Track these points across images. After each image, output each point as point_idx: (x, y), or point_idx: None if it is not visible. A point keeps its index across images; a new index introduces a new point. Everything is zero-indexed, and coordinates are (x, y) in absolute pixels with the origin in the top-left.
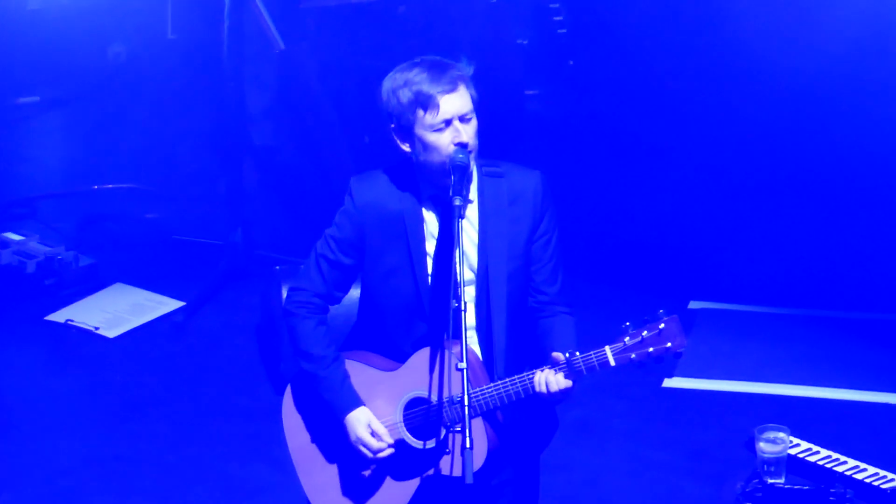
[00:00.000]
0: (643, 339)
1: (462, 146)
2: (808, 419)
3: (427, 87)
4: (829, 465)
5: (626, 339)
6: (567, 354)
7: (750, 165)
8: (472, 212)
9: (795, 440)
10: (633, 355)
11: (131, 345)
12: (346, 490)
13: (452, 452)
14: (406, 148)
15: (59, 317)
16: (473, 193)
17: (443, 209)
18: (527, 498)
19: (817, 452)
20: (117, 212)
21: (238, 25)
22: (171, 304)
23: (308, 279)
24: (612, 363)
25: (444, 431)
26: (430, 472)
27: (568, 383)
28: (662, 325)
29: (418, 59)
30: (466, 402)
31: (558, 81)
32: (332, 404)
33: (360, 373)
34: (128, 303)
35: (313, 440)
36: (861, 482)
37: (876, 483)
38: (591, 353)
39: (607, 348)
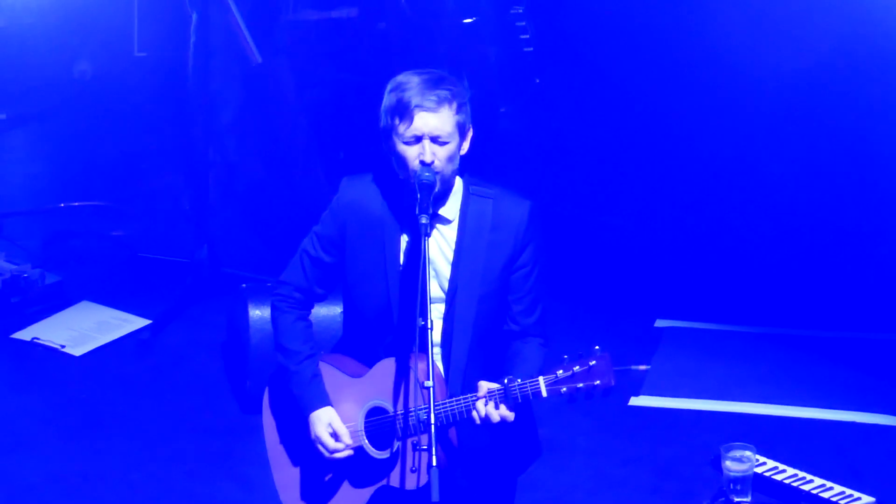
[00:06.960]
0: (574, 373)
1: (424, 165)
2: (775, 437)
3: (408, 98)
4: (795, 484)
5: (560, 371)
6: (506, 381)
7: (715, 186)
8: (450, 231)
9: (762, 458)
10: (563, 388)
11: (97, 363)
12: (306, 490)
13: (405, 466)
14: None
15: (24, 335)
16: (454, 213)
17: (416, 224)
18: None
19: (784, 471)
20: (83, 229)
21: (204, 41)
22: (137, 322)
23: (292, 273)
24: (544, 394)
25: (397, 444)
26: (385, 482)
27: (510, 415)
28: (593, 363)
29: (427, 69)
30: (433, 422)
31: (525, 99)
32: (300, 400)
33: (330, 375)
34: (94, 321)
35: (285, 437)
36: (827, 501)
37: (842, 502)
38: (527, 381)
39: (541, 379)
